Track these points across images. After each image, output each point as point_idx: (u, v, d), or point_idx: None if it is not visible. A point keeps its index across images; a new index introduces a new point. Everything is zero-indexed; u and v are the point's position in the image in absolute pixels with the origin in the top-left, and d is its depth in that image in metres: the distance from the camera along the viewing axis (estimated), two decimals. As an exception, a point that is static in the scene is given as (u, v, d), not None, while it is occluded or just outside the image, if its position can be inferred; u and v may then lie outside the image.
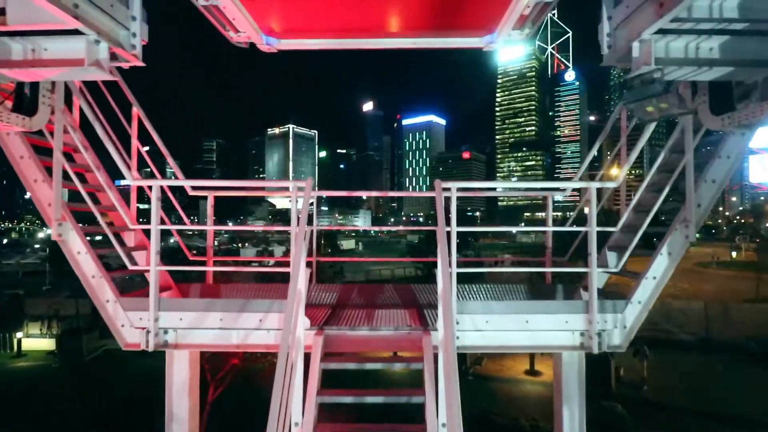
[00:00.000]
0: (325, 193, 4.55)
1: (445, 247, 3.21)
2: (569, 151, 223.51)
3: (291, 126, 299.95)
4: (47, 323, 21.93)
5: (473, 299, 4.65)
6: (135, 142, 4.55)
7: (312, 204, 5.39)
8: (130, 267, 3.85)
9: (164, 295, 4.53)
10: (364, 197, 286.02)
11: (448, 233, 3.45)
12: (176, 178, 4.30)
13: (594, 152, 5.10)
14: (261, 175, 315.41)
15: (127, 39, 3.15)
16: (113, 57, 3.27)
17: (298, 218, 3.53)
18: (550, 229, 4.28)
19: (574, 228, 3.99)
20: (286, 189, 3.91)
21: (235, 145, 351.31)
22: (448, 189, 3.64)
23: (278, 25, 3.95)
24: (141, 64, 3.33)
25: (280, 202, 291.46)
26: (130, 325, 3.75)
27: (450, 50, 4.20)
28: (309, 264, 4.53)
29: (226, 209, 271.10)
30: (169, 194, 4.78)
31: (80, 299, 21.02)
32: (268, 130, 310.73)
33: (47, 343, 21.29)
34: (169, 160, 4.67)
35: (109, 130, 4.16)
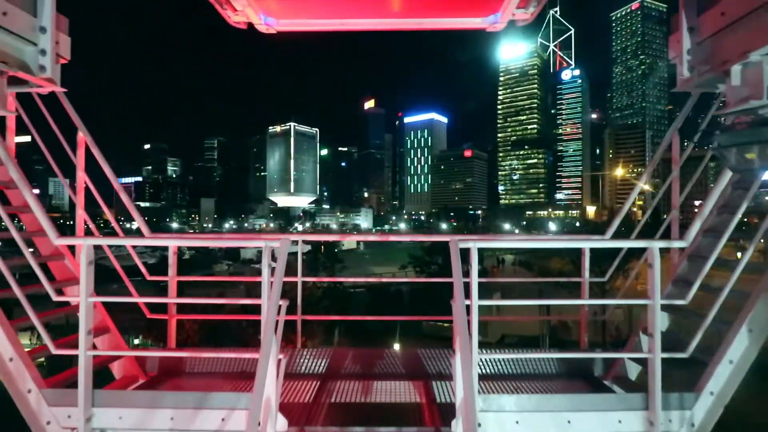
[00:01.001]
0: (312, 237, 3.72)
1: (464, 325, 2.40)
2: (571, 150, 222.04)
3: (292, 124, 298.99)
4: (37, 334, 21.17)
5: (493, 374, 3.80)
6: (81, 175, 3.72)
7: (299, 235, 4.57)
8: (54, 349, 3.01)
9: (114, 366, 3.72)
10: (364, 205, 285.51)
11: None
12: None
13: (640, 187, 4.24)
14: (262, 173, 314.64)
15: (33, 58, 2.33)
16: (15, 82, 2.45)
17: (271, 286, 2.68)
18: (597, 302, 3.42)
19: (632, 300, 3.12)
20: (258, 237, 3.06)
21: (236, 143, 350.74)
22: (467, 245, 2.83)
23: (277, 4, 3.60)
24: (58, 89, 2.50)
25: (281, 200, 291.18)
26: (57, 424, 2.93)
27: (453, 31, 3.88)
28: (292, 325, 3.72)
29: (229, 208, 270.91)
30: (133, 255, 3.96)
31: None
32: (270, 128, 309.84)
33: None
34: (124, 198, 3.83)
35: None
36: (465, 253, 2.84)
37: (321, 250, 18.37)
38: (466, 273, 2.76)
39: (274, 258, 2.83)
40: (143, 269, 4.04)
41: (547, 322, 17.34)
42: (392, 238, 3.70)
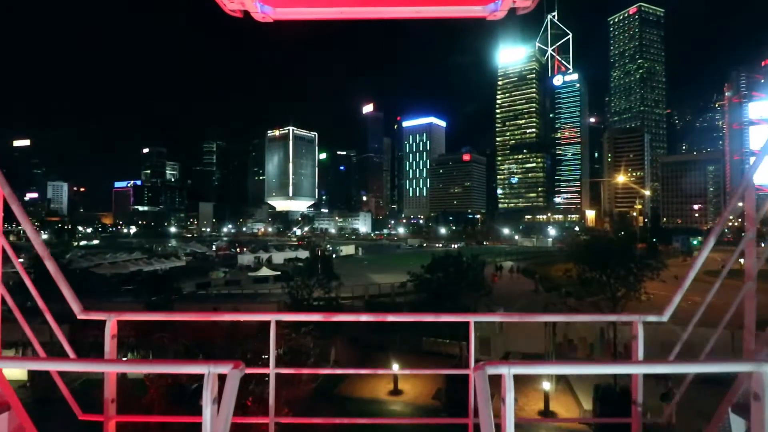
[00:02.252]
0: (290, 317, 3.04)
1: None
2: (569, 154, 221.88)
3: (291, 128, 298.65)
4: (21, 351, 20.41)
5: None
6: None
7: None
8: None
9: None
10: (362, 209, 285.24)
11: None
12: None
13: (710, 243, 3.43)
14: (261, 177, 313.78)
15: None
16: None
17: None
18: None
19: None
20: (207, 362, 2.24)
21: (235, 147, 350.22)
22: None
23: None
24: None
25: (280, 204, 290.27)
26: None
27: (453, 20, 3.54)
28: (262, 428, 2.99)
29: (227, 212, 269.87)
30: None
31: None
32: (268, 132, 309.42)
33: (20, 373, 19.83)
34: (55, 270, 3.08)
35: None
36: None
37: (318, 262, 17.57)
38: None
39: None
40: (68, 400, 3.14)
41: (553, 340, 16.69)
42: (391, 318, 2.90)
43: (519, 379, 16.14)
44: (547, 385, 14.41)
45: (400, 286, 23.19)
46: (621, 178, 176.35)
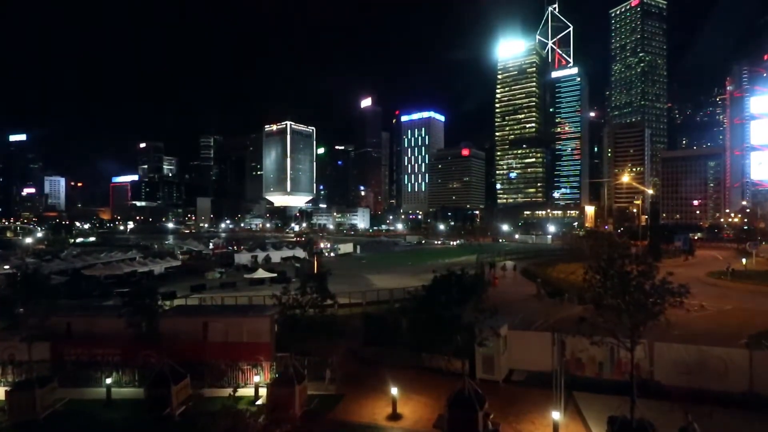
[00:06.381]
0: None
1: None
2: (569, 148, 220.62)
3: (289, 123, 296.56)
4: (1, 370, 19.40)
5: None
6: None
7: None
8: None
9: None
10: (361, 205, 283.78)
11: None
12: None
13: None
14: (259, 172, 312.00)
15: None
16: None
17: None
18: None
19: None
20: None
21: (232, 142, 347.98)
22: None
23: None
24: None
25: (278, 199, 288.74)
26: None
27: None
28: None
29: (225, 207, 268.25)
30: None
31: (34, 342, 18.26)
32: (266, 127, 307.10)
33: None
34: None
35: None
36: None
37: (314, 279, 16.39)
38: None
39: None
40: None
41: (560, 357, 15.69)
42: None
43: (525, 405, 14.87)
44: (556, 415, 13.41)
45: (399, 305, 22.25)
46: (625, 178, 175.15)
